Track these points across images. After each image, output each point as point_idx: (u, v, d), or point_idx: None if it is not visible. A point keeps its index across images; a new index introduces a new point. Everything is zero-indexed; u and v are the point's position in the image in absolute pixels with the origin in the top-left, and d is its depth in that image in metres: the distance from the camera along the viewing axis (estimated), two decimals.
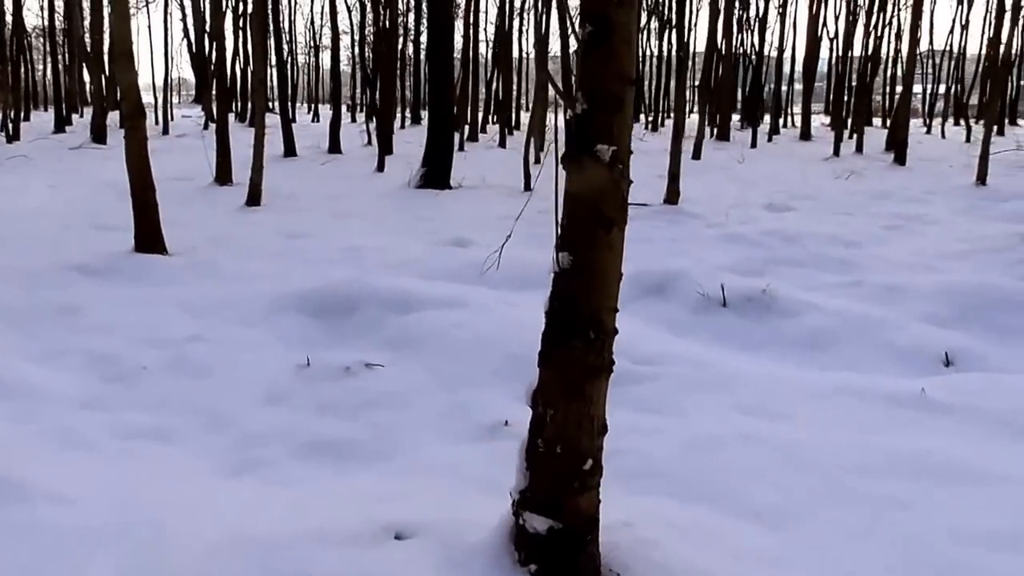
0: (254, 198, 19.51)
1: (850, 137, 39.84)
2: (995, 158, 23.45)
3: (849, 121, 46.20)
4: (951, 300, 10.54)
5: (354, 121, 59.24)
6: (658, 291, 11.35)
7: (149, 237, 13.84)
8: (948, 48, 63.93)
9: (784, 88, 61.63)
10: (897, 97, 39.07)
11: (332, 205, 19.98)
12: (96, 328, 10.13)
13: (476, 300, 10.21)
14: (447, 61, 22.33)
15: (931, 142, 43.65)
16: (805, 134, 44.61)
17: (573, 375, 3.95)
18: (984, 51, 49.93)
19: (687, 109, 45.37)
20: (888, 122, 46.27)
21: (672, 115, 26.19)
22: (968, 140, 43.74)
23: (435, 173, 21.64)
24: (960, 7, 52.60)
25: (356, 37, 47.31)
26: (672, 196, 18.57)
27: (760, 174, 27.21)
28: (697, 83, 44.94)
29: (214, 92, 32.17)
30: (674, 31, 46.70)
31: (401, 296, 10.41)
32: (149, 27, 57.13)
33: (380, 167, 26.42)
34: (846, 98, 47.94)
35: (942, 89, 62.37)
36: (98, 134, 34.33)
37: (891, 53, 56.41)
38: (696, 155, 29.89)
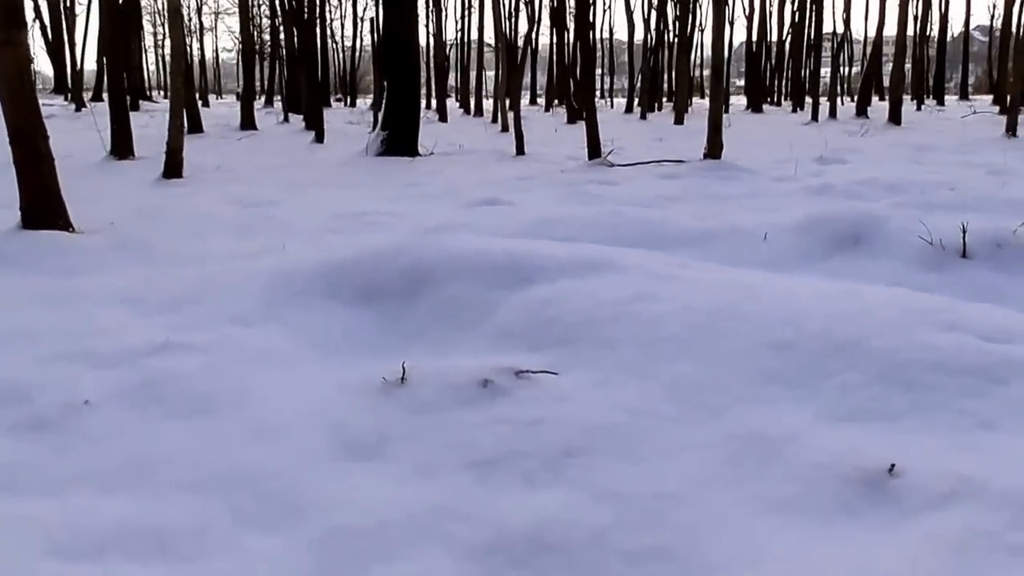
0: (173, 168, 14.97)
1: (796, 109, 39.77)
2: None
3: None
4: None
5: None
6: (855, 243, 7.71)
7: (43, 205, 9.30)
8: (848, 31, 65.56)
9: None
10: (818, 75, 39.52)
11: (283, 175, 15.69)
12: None
13: (629, 261, 6.37)
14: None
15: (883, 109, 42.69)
16: (756, 107, 43.33)
17: None
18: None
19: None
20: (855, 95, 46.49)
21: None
22: (920, 108, 43.58)
23: (400, 138, 17.67)
24: None
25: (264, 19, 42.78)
26: (714, 149, 14.99)
27: (763, 136, 24.36)
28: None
29: (105, 66, 27.08)
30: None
31: (505, 260, 6.45)
32: None
33: (319, 138, 22.15)
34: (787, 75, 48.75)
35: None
36: None
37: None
38: (679, 120, 27.56)
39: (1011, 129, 22.26)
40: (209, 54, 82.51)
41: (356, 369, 5.35)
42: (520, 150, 18.62)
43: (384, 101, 18.43)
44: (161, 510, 3.87)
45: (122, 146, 18.32)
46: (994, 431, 4.16)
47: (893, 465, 3.78)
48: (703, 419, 4.41)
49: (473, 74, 51.51)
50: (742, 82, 72.01)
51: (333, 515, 3.89)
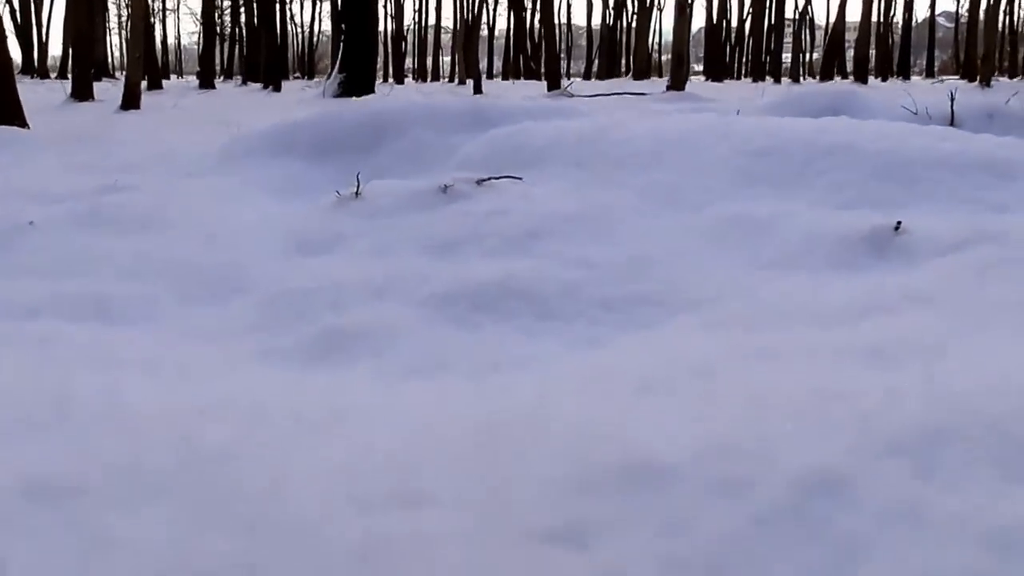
0: (131, 100, 14.46)
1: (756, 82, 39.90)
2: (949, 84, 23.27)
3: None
4: None
5: None
6: (834, 115, 7.36)
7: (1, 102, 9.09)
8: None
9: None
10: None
11: (243, 113, 15.19)
12: None
13: (595, 108, 6.06)
14: None
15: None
16: (716, 79, 43.05)
17: None
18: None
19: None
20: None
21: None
22: (886, 80, 43.94)
23: (357, 79, 17.14)
24: None
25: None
26: (677, 82, 14.62)
27: (725, 88, 24.03)
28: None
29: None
30: None
31: (467, 108, 6.13)
32: None
33: (277, 88, 21.64)
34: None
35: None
36: None
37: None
38: (639, 78, 27.26)
39: (986, 80, 22.54)
40: (172, 39, 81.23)
41: (310, 201, 5.02)
42: (478, 90, 18.28)
43: (342, 44, 17.96)
44: (101, 288, 3.54)
45: (82, 89, 17.75)
46: (1008, 212, 3.87)
47: (899, 223, 3.49)
48: (681, 211, 4.08)
49: (430, 60, 51.94)
50: (701, 67, 71.85)
51: (284, 284, 3.56)
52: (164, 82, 32.81)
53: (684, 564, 1.26)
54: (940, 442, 1.49)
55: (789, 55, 50.89)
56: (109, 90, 21.25)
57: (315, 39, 66.63)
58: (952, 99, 7.04)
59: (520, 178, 4.58)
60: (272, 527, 1.41)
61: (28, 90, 23.32)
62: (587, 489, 1.43)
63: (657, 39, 62.57)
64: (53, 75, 43.11)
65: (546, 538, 1.32)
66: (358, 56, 17.72)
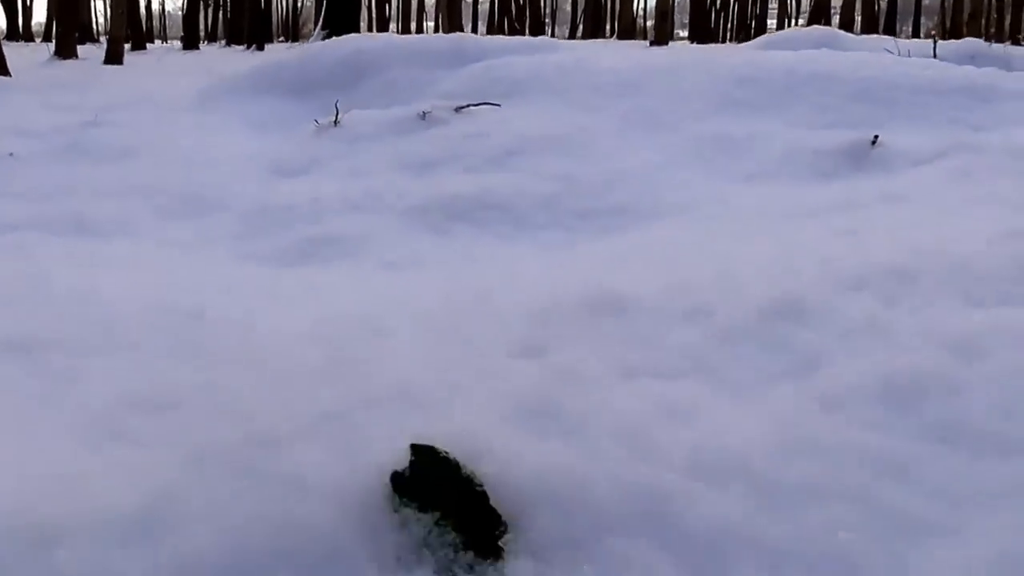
0: (114, 55, 14.30)
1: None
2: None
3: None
4: None
5: None
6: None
7: None
8: None
9: None
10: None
11: (220, 65, 15.13)
12: None
13: (577, 44, 6.01)
14: None
15: None
16: (701, 41, 43.00)
17: None
18: None
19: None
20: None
21: None
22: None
23: (341, 35, 16.63)
24: None
25: None
26: (661, 36, 14.59)
27: (709, 49, 24.04)
28: None
29: None
30: None
31: (447, 45, 6.08)
32: None
33: (260, 48, 21.44)
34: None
35: None
36: None
37: None
38: (623, 38, 27.12)
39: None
40: (156, 5, 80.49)
41: (289, 131, 5.00)
42: None
43: (325, 2, 17.77)
44: (80, 208, 3.52)
45: (66, 47, 17.35)
46: (986, 131, 3.87)
47: (876, 136, 3.50)
48: (661, 132, 4.06)
49: (414, 24, 51.92)
50: (686, 33, 71.31)
51: (262, 201, 3.55)
52: (148, 45, 32.47)
53: (643, 370, 1.27)
54: (905, 277, 1.51)
55: (775, 21, 50.55)
56: (93, 51, 21.21)
57: (299, 4, 66.25)
58: (935, 42, 7.05)
59: (499, 105, 4.56)
60: (237, 359, 1.42)
61: (13, 52, 23.15)
62: (549, 319, 1.44)
63: (641, 4, 62.23)
64: (38, 40, 42.88)
65: (504, 353, 1.33)
66: (341, 12, 17.51)
